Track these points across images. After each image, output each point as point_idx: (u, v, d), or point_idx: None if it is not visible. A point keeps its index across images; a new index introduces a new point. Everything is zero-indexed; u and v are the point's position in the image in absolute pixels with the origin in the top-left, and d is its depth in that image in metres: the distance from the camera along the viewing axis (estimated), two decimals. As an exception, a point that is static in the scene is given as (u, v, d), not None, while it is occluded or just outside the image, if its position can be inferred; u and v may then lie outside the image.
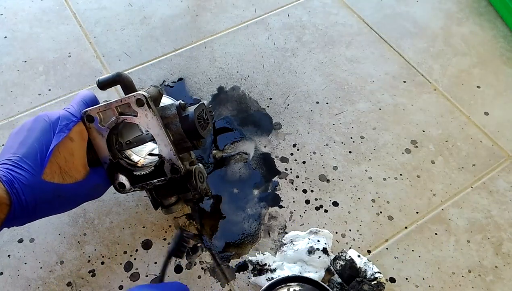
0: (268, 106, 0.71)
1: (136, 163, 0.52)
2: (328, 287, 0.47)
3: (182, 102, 0.50)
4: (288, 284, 0.48)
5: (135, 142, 0.51)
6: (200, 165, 0.53)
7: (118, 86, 0.52)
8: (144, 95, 0.46)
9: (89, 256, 0.56)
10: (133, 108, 0.47)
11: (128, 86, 0.50)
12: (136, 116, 0.47)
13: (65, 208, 0.48)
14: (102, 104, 0.48)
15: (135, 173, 0.50)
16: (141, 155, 0.53)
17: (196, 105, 0.50)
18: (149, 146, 0.54)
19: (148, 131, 0.50)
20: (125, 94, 0.49)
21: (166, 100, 0.54)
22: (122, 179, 0.50)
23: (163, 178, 0.49)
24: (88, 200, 0.50)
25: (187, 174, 0.50)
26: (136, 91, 0.49)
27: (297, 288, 0.47)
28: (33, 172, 0.42)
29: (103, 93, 0.67)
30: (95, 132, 0.48)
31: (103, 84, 0.50)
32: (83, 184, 0.47)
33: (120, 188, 0.50)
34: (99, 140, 0.49)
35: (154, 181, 0.49)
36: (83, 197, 0.49)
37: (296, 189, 0.62)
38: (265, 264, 0.54)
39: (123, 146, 0.51)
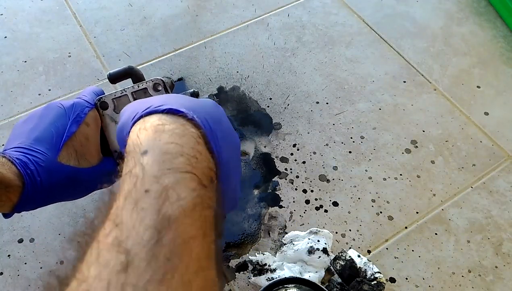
0: (268, 106, 0.71)
1: None
2: (325, 289, 0.47)
3: (195, 90, 0.51)
4: (285, 285, 0.48)
5: None
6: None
7: (117, 85, 0.52)
8: (161, 80, 0.47)
9: (89, 256, 0.56)
10: (150, 93, 0.48)
11: (140, 78, 0.50)
12: None
13: (79, 193, 0.48)
14: (118, 90, 0.48)
15: None
16: None
17: (207, 95, 0.51)
18: None
19: None
20: None
21: None
22: None
23: None
24: (100, 188, 0.50)
25: None
26: None
27: (295, 289, 0.47)
28: (49, 154, 0.42)
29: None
30: (108, 119, 0.49)
31: (114, 77, 0.50)
32: (97, 169, 0.47)
33: None
34: (111, 128, 0.49)
35: None
36: (96, 183, 0.49)
37: (296, 189, 0.62)
38: (265, 264, 0.54)
39: None
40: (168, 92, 0.48)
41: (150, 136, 0.27)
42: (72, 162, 0.45)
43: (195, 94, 0.51)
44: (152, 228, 0.22)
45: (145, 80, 0.50)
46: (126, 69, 0.50)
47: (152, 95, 0.48)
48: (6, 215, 0.42)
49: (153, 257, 0.21)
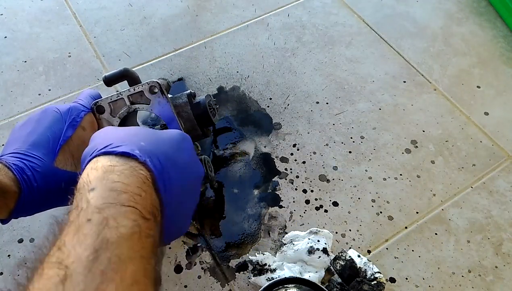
0: (268, 106, 0.71)
1: None
2: (325, 289, 0.47)
3: (192, 91, 0.51)
4: (285, 285, 0.47)
5: None
6: (206, 156, 0.53)
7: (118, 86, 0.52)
8: (157, 82, 0.47)
9: (89, 256, 0.56)
10: (146, 96, 0.47)
11: (136, 81, 0.50)
12: (149, 104, 0.48)
13: None
14: (114, 94, 0.48)
15: None
16: None
17: (204, 95, 0.52)
18: None
19: (154, 124, 0.50)
20: None
21: None
22: None
23: None
24: None
25: None
26: None
27: (294, 289, 0.47)
28: (45, 159, 0.42)
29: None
30: (105, 123, 0.49)
31: (110, 80, 0.50)
32: None
33: None
34: None
35: None
36: None
37: (296, 189, 0.62)
38: (265, 264, 0.54)
39: None
40: (165, 94, 0.47)
41: (99, 176, 0.29)
42: (69, 166, 0.44)
43: (191, 96, 0.51)
44: (90, 248, 0.24)
45: (140, 82, 0.50)
46: (121, 72, 0.49)
47: (148, 98, 0.47)
48: (3, 221, 0.42)
49: (89, 271, 0.23)
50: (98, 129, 0.49)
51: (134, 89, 0.47)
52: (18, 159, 0.41)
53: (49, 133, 0.44)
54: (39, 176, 0.41)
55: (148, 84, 0.47)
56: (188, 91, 0.51)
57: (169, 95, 0.53)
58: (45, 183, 0.42)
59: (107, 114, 0.48)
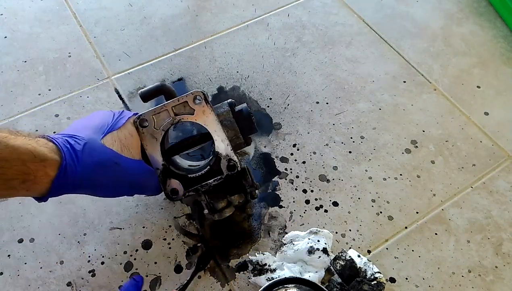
0: (268, 106, 0.71)
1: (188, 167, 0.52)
2: (325, 289, 0.47)
3: (232, 100, 0.52)
4: (285, 285, 0.47)
5: (187, 145, 0.52)
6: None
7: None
8: (202, 92, 0.48)
9: (89, 256, 0.56)
10: (190, 106, 0.48)
11: (172, 95, 0.50)
12: (193, 114, 0.48)
13: (117, 184, 0.47)
14: (157, 106, 0.48)
15: (190, 176, 0.49)
16: (184, 165, 0.53)
17: (244, 104, 0.52)
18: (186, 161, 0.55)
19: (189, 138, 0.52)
20: None
21: None
22: (175, 184, 0.49)
23: (219, 177, 0.49)
24: (135, 191, 0.50)
25: (241, 171, 0.50)
26: None
27: (295, 289, 0.47)
28: (93, 135, 0.44)
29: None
30: (148, 137, 0.48)
31: (146, 96, 0.50)
32: (138, 164, 0.47)
33: (173, 194, 0.49)
34: (151, 146, 0.49)
35: (210, 181, 0.49)
36: (136, 177, 0.48)
37: (296, 189, 0.62)
38: (265, 264, 0.54)
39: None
40: (209, 104, 0.48)
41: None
42: (115, 147, 0.45)
43: (233, 104, 0.51)
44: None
45: (176, 96, 0.50)
46: (158, 87, 0.50)
47: (192, 109, 0.48)
48: (43, 198, 0.42)
49: None
50: (142, 144, 0.49)
51: (178, 100, 0.48)
52: (65, 135, 0.43)
53: (99, 121, 0.46)
54: (84, 146, 0.42)
55: (192, 94, 0.47)
56: (229, 100, 0.51)
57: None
58: (89, 155, 0.42)
59: (150, 128, 0.48)
